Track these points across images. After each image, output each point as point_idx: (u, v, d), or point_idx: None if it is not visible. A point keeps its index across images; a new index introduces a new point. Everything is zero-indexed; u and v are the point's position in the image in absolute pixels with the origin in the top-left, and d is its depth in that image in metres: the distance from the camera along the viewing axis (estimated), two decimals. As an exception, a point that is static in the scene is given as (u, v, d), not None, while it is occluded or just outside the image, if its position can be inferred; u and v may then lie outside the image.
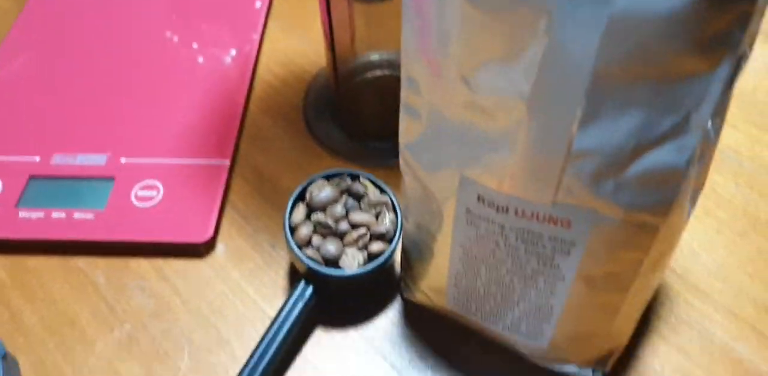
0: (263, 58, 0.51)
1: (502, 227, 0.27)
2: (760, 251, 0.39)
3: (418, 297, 0.36)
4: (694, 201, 0.28)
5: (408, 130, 0.28)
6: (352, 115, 0.47)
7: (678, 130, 0.22)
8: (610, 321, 0.30)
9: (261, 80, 0.49)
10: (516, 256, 0.28)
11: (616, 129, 0.22)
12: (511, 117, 0.23)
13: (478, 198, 0.27)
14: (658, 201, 0.24)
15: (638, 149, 0.23)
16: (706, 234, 0.40)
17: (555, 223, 0.26)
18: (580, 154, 0.23)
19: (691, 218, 0.40)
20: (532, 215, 0.26)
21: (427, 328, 0.37)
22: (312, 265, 0.34)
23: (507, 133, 0.24)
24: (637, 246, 0.26)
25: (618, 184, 0.24)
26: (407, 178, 0.30)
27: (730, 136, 0.44)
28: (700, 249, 0.39)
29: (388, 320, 0.37)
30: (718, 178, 0.42)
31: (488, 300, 0.31)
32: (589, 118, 0.22)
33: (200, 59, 0.50)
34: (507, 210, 0.26)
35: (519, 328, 0.32)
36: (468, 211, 0.28)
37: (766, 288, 0.38)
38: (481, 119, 0.24)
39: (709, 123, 0.23)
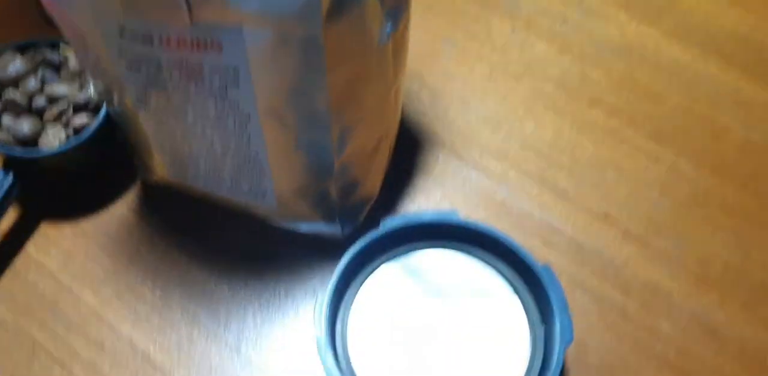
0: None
1: (160, 64, 0.23)
2: (534, 93, 0.36)
3: (150, 176, 0.32)
4: (393, 21, 0.25)
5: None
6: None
7: None
8: (326, 168, 0.26)
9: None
10: (191, 100, 0.24)
11: None
12: None
13: (120, 31, 0.22)
14: (302, 5, 0.20)
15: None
16: (480, 82, 0.37)
17: (206, 47, 0.22)
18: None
19: (465, 67, 0.37)
20: (179, 42, 0.22)
21: (168, 209, 0.33)
22: (-3, 148, 0.29)
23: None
24: (310, 70, 0.22)
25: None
26: (62, 26, 0.25)
27: (508, -23, 0.41)
28: (471, 98, 0.36)
29: (126, 207, 0.33)
30: (495, 22, 0.39)
31: (198, 161, 0.27)
32: None
33: None
34: (153, 40, 0.22)
35: (241, 187, 0.28)
36: (121, 51, 0.23)
37: (534, 127, 0.35)
38: None
39: None
